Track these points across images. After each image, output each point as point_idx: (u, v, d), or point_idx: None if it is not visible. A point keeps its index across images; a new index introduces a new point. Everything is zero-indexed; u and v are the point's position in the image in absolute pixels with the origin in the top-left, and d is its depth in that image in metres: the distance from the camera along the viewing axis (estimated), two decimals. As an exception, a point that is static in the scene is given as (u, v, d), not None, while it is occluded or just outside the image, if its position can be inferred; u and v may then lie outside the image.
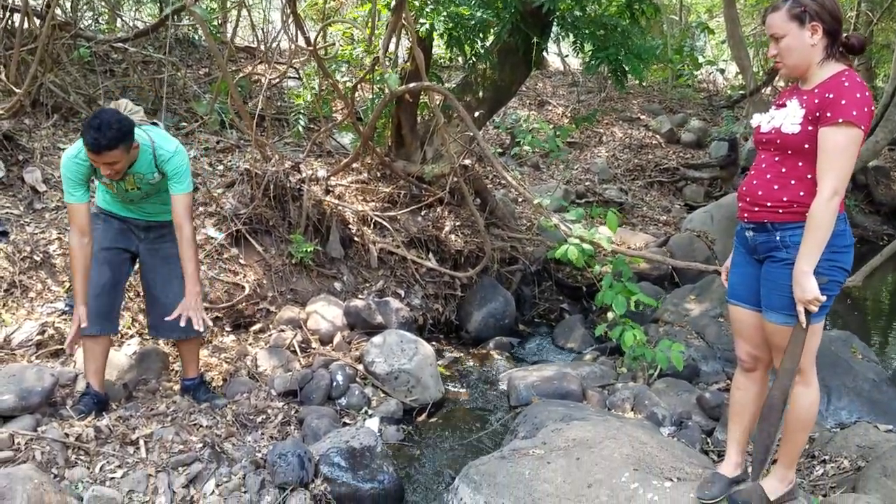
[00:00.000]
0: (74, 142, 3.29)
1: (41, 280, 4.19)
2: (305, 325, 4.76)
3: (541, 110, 11.53)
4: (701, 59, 10.72)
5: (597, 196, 8.86)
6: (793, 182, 2.53)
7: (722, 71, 11.98)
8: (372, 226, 5.70)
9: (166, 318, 3.41)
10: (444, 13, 5.15)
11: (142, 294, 4.19)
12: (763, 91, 10.26)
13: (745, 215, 2.68)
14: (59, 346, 3.83)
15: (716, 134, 10.60)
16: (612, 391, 4.36)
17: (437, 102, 5.73)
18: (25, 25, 5.52)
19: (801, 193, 2.50)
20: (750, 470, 2.79)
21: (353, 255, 5.56)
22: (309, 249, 5.10)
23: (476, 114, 6.02)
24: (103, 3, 7.86)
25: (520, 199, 7.56)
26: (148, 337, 4.16)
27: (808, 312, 2.48)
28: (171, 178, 3.31)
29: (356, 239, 5.58)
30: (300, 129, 6.48)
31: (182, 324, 3.35)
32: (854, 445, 3.38)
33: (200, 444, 3.31)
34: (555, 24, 5.95)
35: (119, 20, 8.05)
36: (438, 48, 6.50)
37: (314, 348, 4.60)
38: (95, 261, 3.37)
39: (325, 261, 5.38)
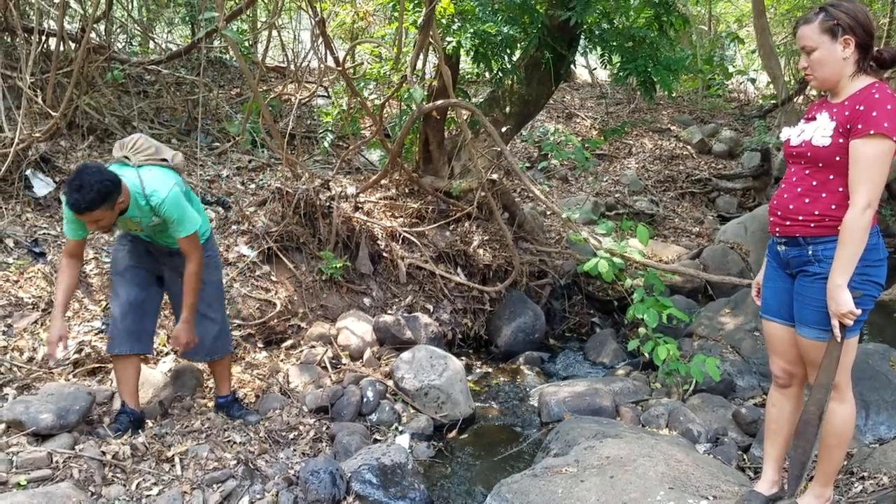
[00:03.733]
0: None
1: (78, 300, 4.27)
2: (336, 340, 4.79)
3: (569, 123, 11.50)
4: (731, 69, 10.62)
5: (627, 208, 8.79)
6: (824, 195, 2.50)
7: (753, 80, 11.85)
8: (400, 241, 5.72)
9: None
10: (471, 30, 5.17)
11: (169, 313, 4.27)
12: (795, 100, 10.12)
13: (777, 230, 2.65)
14: (97, 365, 3.89)
15: (748, 144, 10.47)
16: (645, 407, 4.31)
17: (465, 118, 5.75)
18: (61, 49, 5.66)
19: (833, 207, 2.48)
20: (787, 487, 2.74)
21: (382, 270, 5.59)
22: (338, 266, 5.14)
23: (503, 128, 6.03)
24: (136, 27, 8.03)
25: (548, 213, 7.53)
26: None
27: (842, 327, 2.45)
28: (169, 225, 3.23)
29: (385, 255, 5.61)
30: (326, 145, 6.54)
31: (177, 348, 3.34)
32: (893, 461, 3.29)
33: (234, 461, 3.34)
34: (582, 37, 5.95)
35: (152, 43, 8.21)
36: (465, 63, 6.53)
37: (344, 364, 4.62)
38: (122, 280, 3.40)
39: (355, 277, 5.41)
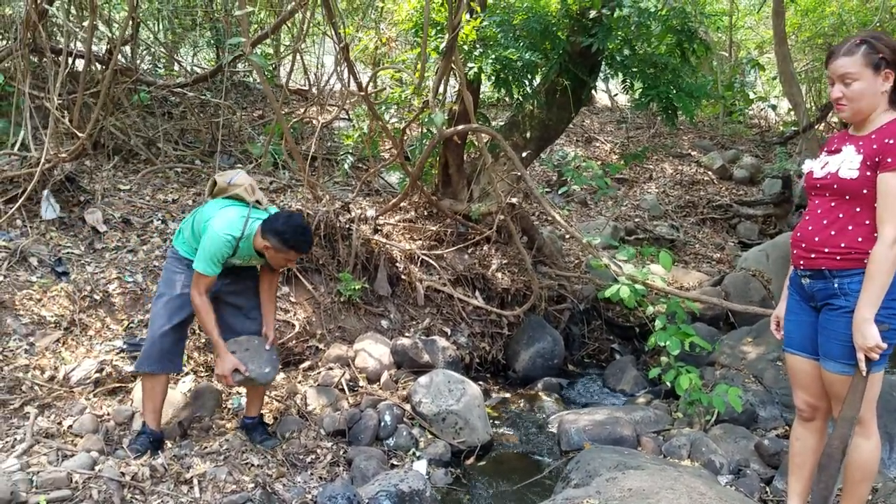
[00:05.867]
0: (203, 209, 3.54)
1: (100, 318, 4.30)
2: (353, 363, 4.78)
3: (588, 147, 11.50)
4: (752, 96, 10.58)
5: (647, 233, 8.75)
6: (850, 228, 2.49)
7: (774, 107, 11.81)
8: (419, 264, 5.72)
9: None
10: (493, 56, 5.20)
11: (199, 331, 4.29)
12: (816, 128, 10.07)
13: (802, 262, 2.63)
14: (117, 385, 3.91)
15: (769, 171, 10.43)
16: (667, 437, 4.25)
17: (485, 142, 5.77)
18: (88, 70, 5.75)
19: (860, 239, 2.46)
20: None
21: (400, 293, 5.59)
22: (357, 287, 5.14)
23: (523, 153, 6.04)
24: (162, 49, 8.16)
25: (567, 237, 7.52)
26: (203, 374, 4.23)
27: (868, 360, 2.42)
28: None
29: (403, 277, 5.61)
30: (347, 167, 6.58)
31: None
32: (922, 498, 3.23)
33: (252, 485, 3.33)
34: (603, 63, 5.96)
35: (177, 65, 8.33)
36: (486, 87, 6.57)
37: (362, 387, 4.61)
38: (176, 301, 3.47)
39: (373, 299, 5.41)
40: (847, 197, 2.49)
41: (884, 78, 2.45)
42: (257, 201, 3.53)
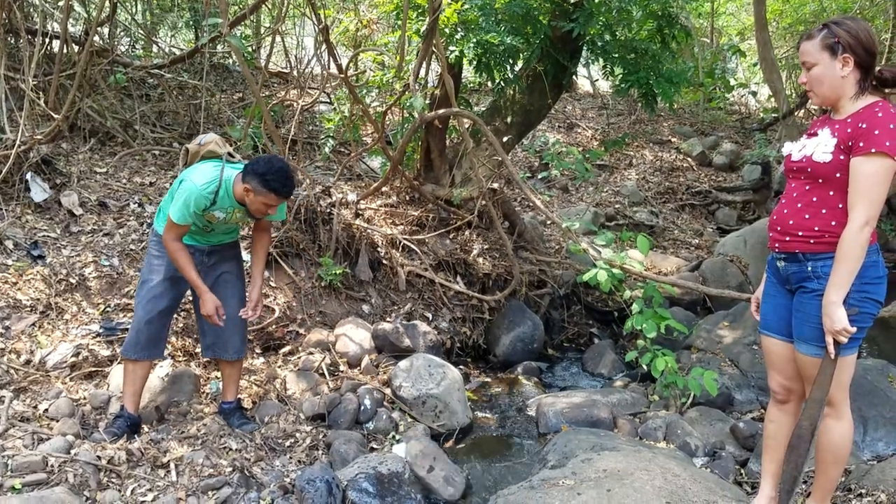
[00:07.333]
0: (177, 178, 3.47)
1: (76, 302, 4.27)
2: (334, 347, 4.78)
3: (570, 133, 11.51)
4: (732, 82, 10.62)
5: (627, 219, 8.79)
6: (824, 211, 2.51)
7: (754, 94, 11.85)
8: (400, 249, 5.72)
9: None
10: (474, 40, 5.18)
11: (175, 315, 4.27)
12: (796, 114, 10.14)
13: (777, 245, 2.66)
14: (94, 368, 3.89)
15: (748, 157, 10.49)
16: (643, 420, 4.30)
17: (467, 127, 5.76)
18: (64, 51, 5.66)
19: (833, 223, 2.48)
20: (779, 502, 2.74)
21: (382, 277, 5.58)
22: (338, 272, 5.13)
23: (505, 138, 6.04)
24: (140, 30, 8.04)
25: (548, 222, 7.54)
26: (181, 358, 4.21)
27: (838, 344, 2.45)
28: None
29: (385, 262, 5.60)
30: (328, 151, 6.55)
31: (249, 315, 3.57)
32: (891, 479, 3.28)
33: (230, 468, 3.33)
34: (584, 48, 5.96)
35: (155, 46, 8.22)
36: (468, 72, 6.54)
37: (342, 371, 4.61)
38: (162, 286, 3.47)
39: (354, 283, 5.41)
40: (821, 180, 2.51)
41: (842, 62, 2.45)
42: (230, 154, 3.50)
